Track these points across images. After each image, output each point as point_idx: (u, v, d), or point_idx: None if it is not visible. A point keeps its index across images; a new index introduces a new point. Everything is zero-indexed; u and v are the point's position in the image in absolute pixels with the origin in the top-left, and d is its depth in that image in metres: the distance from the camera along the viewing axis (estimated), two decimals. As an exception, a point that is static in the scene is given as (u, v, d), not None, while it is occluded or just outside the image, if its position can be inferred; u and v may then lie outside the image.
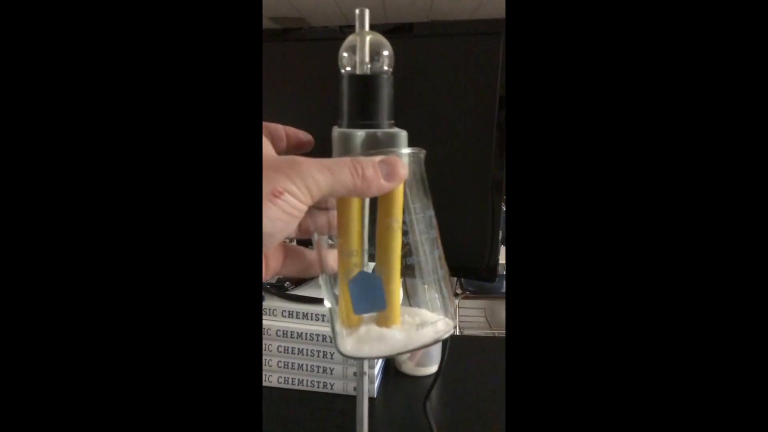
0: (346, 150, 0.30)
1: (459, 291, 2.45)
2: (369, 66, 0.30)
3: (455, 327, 0.31)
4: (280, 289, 0.68)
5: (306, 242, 0.33)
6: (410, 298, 0.31)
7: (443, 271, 0.31)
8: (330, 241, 0.31)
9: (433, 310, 0.30)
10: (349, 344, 0.29)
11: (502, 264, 1.44)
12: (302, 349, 0.66)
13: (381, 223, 0.29)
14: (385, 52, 0.30)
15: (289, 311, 0.66)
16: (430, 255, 0.30)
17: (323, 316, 0.65)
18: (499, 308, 2.63)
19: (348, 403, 0.64)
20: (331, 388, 0.66)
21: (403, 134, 0.30)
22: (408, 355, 0.72)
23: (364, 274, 0.29)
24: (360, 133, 0.30)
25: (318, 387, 0.67)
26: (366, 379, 0.50)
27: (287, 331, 0.66)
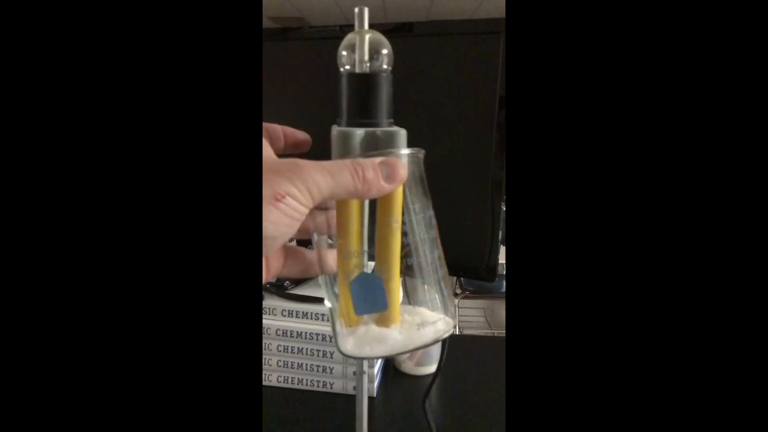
0: (346, 148, 0.30)
1: (458, 291, 2.45)
2: (368, 64, 0.30)
3: (455, 326, 0.31)
4: (279, 289, 0.68)
5: (305, 242, 0.33)
6: (410, 298, 0.31)
7: (443, 270, 0.31)
8: (329, 241, 0.31)
9: (433, 310, 0.30)
10: (350, 344, 0.29)
11: (502, 264, 1.44)
12: (302, 349, 0.66)
13: (381, 223, 0.29)
14: (385, 51, 0.30)
15: (288, 310, 0.66)
16: (430, 255, 0.30)
17: (323, 315, 0.65)
18: (499, 308, 2.63)
19: (347, 402, 0.64)
20: (331, 388, 0.66)
21: (402, 133, 0.30)
22: (408, 354, 0.72)
23: (364, 274, 0.29)
24: (359, 132, 0.30)
25: (317, 386, 0.66)
26: (366, 378, 0.50)
27: (287, 331, 0.66)
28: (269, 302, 0.66)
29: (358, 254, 0.29)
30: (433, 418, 0.62)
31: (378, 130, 0.30)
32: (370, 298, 0.28)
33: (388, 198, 0.28)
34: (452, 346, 0.65)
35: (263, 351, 0.67)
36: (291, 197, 0.24)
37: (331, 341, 0.65)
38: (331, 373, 0.66)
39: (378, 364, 0.69)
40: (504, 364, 0.75)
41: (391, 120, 0.31)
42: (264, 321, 0.66)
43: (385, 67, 0.30)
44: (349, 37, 0.30)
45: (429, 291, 0.30)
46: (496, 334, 2.38)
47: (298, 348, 0.66)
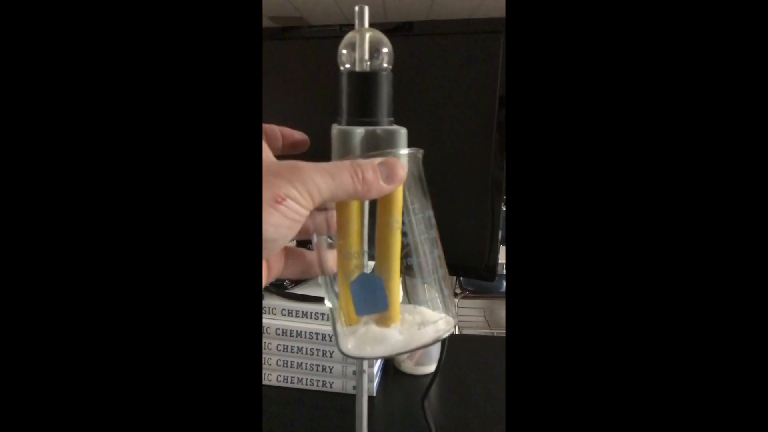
0: (346, 147, 0.30)
1: (458, 290, 2.45)
2: (368, 63, 0.30)
3: (455, 326, 0.31)
4: (279, 288, 0.68)
5: (305, 243, 0.33)
6: (410, 298, 0.31)
7: (443, 270, 0.31)
8: (329, 240, 0.31)
9: (433, 309, 0.30)
10: (351, 344, 0.29)
11: (501, 264, 1.44)
12: (301, 348, 0.66)
13: (381, 222, 0.29)
14: (385, 49, 0.30)
15: (288, 310, 0.66)
16: (430, 255, 0.30)
17: (323, 314, 0.65)
18: (498, 308, 2.63)
19: (347, 401, 0.64)
20: (331, 387, 0.66)
21: (402, 131, 0.30)
22: (407, 354, 0.72)
23: (365, 275, 0.29)
24: (359, 131, 0.30)
25: (317, 386, 0.66)
26: (365, 377, 0.50)
27: (286, 330, 0.66)
28: (269, 301, 0.66)
29: (359, 255, 0.29)
30: (433, 417, 0.62)
31: (378, 129, 0.30)
32: (370, 299, 0.28)
33: (388, 198, 0.28)
34: (452, 345, 0.65)
35: (263, 350, 0.67)
36: (291, 199, 0.24)
37: (330, 340, 0.65)
38: (330, 372, 0.66)
39: (377, 364, 0.69)
40: (504, 364, 0.75)
41: (392, 119, 0.31)
42: (264, 320, 0.66)
43: (385, 65, 0.30)
44: (350, 36, 0.30)
45: (429, 291, 0.30)
46: (495, 334, 2.38)
47: (298, 347, 0.66)
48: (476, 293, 2.48)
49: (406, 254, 0.29)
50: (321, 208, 0.31)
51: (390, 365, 0.74)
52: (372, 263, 0.30)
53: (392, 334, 0.29)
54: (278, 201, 0.24)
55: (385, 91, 0.30)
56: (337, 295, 0.30)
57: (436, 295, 0.30)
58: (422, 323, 0.29)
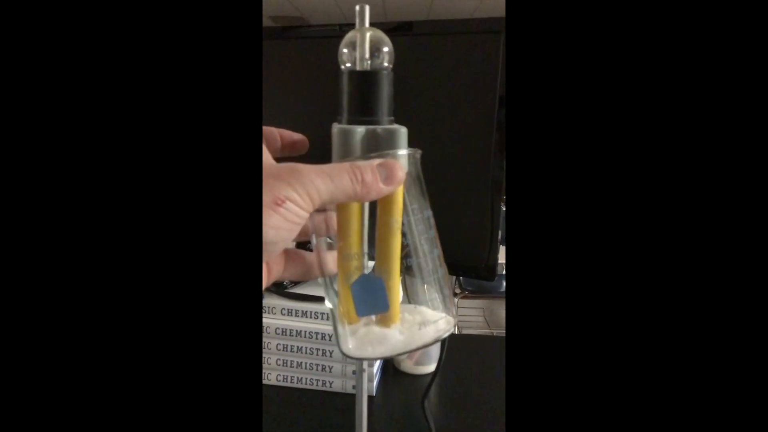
0: (346, 146, 0.30)
1: (458, 290, 2.45)
2: (369, 62, 0.30)
3: (455, 325, 0.31)
4: (279, 287, 0.68)
5: (304, 244, 0.33)
6: (410, 298, 0.31)
7: (443, 270, 0.31)
8: (329, 240, 0.31)
9: (433, 309, 0.30)
10: (351, 344, 0.29)
11: (501, 263, 1.44)
12: (301, 347, 0.66)
13: (380, 223, 0.29)
14: (385, 49, 0.30)
15: (288, 309, 0.66)
16: (429, 255, 0.30)
17: (322, 314, 0.65)
18: (498, 308, 2.63)
19: (347, 401, 0.64)
20: (330, 386, 0.66)
21: (402, 130, 0.30)
22: (407, 353, 0.72)
23: (365, 276, 0.29)
24: (360, 130, 0.30)
25: (317, 385, 0.66)
26: (365, 377, 0.50)
27: (286, 329, 0.66)
28: (268, 301, 0.66)
29: (359, 256, 0.29)
30: (433, 417, 0.62)
31: (379, 128, 0.30)
32: (371, 300, 0.29)
33: (387, 198, 0.28)
34: (451, 345, 0.65)
35: (263, 350, 0.67)
36: (291, 202, 0.24)
37: (330, 340, 0.65)
38: (330, 371, 0.66)
39: (377, 363, 0.69)
40: (503, 364, 0.76)
41: (392, 118, 0.31)
42: (263, 320, 0.66)
43: (385, 64, 0.30)
44: (350, 35, 0.30)
45: (429, 290, 0.30)
46: (495, 334, 2.38)
47: (298, 347, 0.66)
48: (476, 293, 2.48)
49: (405, 254, 0.29)
50: (320, 210, 0.31)
51: (390, 365, 0.74)
52: (372, 263, 0.30)
53: (393, 334, 0.29)
54: (278, 203, 0.24)
55: (385, 90, 0.30)
56: (337, 295, 0.30)
57: (436, 295, 0.30)
58: (422, 323, 0.30)
